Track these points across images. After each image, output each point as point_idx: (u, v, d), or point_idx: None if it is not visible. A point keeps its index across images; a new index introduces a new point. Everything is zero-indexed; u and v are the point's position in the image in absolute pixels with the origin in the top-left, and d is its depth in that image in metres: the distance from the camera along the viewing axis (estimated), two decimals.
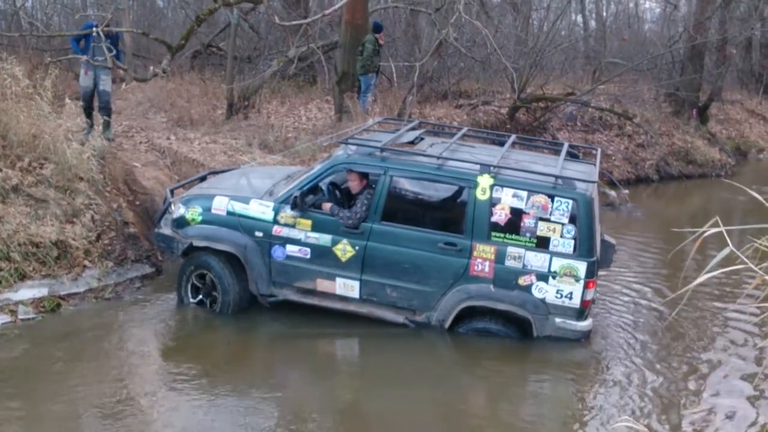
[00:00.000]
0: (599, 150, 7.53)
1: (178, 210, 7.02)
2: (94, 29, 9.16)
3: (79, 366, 6.04)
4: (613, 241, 7.24)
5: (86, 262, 7.37)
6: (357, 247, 6.60)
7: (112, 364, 6.12)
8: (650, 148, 15.63)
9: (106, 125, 9.44)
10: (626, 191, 13.07)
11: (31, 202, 7.42)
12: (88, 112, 9.41)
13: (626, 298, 8.03)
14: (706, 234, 2.78)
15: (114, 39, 9.53)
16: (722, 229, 2.77)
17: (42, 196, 7.51)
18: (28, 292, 6.87)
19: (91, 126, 9.40)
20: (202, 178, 7.82)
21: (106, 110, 9.46)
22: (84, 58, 9.15)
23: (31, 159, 7.72)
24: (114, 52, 9.39)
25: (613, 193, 12.55)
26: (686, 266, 7.19)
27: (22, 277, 6.93)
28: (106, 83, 9.32)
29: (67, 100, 8.98)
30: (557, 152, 7.35)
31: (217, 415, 5.45)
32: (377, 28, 12.42)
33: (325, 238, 6.66)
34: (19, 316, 6.66)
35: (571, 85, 17.03)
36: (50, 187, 7.63)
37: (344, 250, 6.63)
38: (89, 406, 5.44)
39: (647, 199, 14.12)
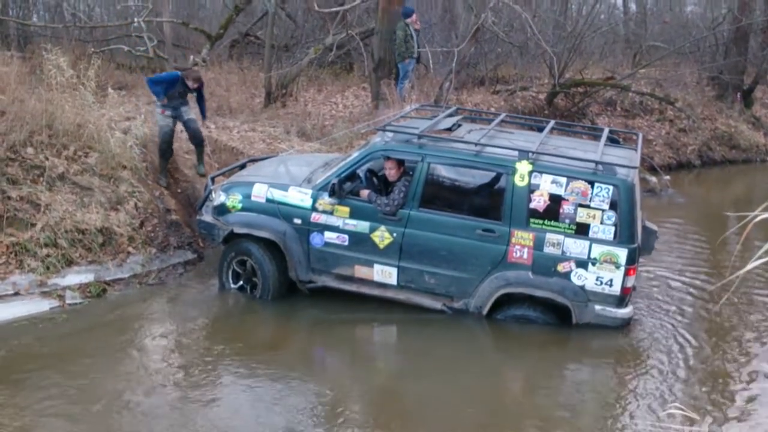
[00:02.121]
0: (640, 135, 7.40)
1: (219, 197, 7.13)
2: (182, 81, 8.33)
3: (124, 349, 6.20)
4: (654, 227, 7.14)
5: (130, 249, 7.54)
6: (395, 234, 6.62)
7: (156, 347, 6.29)
8: (692, 132, 15.29)
9: (200, 156, 8.78)
10: (667, 177, 12.83)
11: (76, 190, 7.60)
12: (166, 156, 8.51)
13: (668, 286, 7.91)
14: (757, 219, 2.69)
15: (200, 92, 8.67)
16: None
17: (87, 184, 7.69)
18: (75, 277, 7.06)
19: (166, 177, 8.56)
20: (242, 166, 7.92)
21: (198, 138, 8.65)
22: (163, 101, 8.31)
23: (76, 148, 7.90)
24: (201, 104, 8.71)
25: (654, 179, 12.33)
26: (734, 252, 7.03)
27: (69, 263, 7.12)
28: (188, 112, 8.52)
29: (110, 90, 9.10)
30: (597, 138, 7.25)
31: (257, 397, 5.57)
32: (407, 13, 12.33)
33: (363, 225, 6.69)
34: (67, 301, 6.86)
35: (611, 70, 16.74)
36: (95, 176, 7.81)
37: (382, 236, 6.67)
38: (136, 385, 5.61)
39: (689, 185, 13.85)
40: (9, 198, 7.17)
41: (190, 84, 8.34)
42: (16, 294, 6.74)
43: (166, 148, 8.48)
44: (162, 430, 5.11)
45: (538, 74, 15.53)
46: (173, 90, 8.33)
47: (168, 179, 8.61)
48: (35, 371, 5.70)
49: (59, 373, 5.71)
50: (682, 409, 4.40)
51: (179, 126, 8.60)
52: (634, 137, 7.65)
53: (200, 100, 8.72)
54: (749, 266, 2.74)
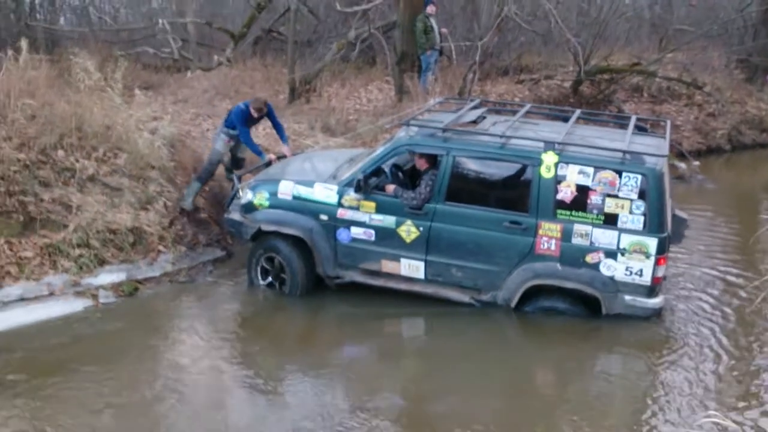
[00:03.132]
0: (669, 122, 7.30)
1: (246, 195, 7.19)
2: (255, 113, 8.00)
3: (158, 346, 6.32)
4: (684, 215, 7.05)
5: (160, 247, 7.64)
6: (421, 228, 6.63)
7: (188, 344, 6.38)
8: (721, 117, 15.02)
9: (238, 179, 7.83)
10: (697, 163, 12.64)
11: (107, 191, 7.72)
12: (203, 180, 8.23)
13: (700, 275, 7.80)
14: None
15: (271, 116, 8.30)
16: None
17: (117, 184, 7.81)
18: (107, 276, 7.18)
19: (194, 200, 8.18)
20: (268, 164, 7.97)
21: (238, 166, 8.39)
22: (231, 132, 8.09)
23: (105, 149, 8.01)
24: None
25: (683, 165, 12.16)
26: None
27: (102, 262, 7.24)
28: (244, 150, 8.37)
29: (137, 91, 9.23)
30: (624, 126, 7.17)
31: (288, 392, 5.64)
32: (426, 3, 12.33)
33: (389, 220, 6.71)
34: (100, 300, 6.97)
35: (637, 55, 16.50)
36: (124, 176, 7.92)
37: (408, 231, 6.67)
38: (167, 381, 5.71)
39: (719, 171, 13.61)
40: (42, 200, 7.32)
41: (253, 113, 7.99)
42: (51, 294, 6.86)
43: (208, 175, 8.26)
44: (199, 424, 5.20)
45: (562, 62, 15.37)
46: (250, 123, 8.11)
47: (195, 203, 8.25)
48: (74, 370, 5.81)
49: (96, 370, 5.82)
50: (717, 419, 4.36)
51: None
52: (662, 124, 7.55)
53: (275, 123, 8.32)
54: None
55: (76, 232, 7.24)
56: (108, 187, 7.75)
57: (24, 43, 8.34)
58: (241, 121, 7.97)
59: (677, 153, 12.05)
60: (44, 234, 7.17)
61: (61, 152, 7.71)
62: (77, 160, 7.75)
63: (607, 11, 15.18)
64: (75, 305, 6.83)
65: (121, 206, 7.63)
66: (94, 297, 6.98)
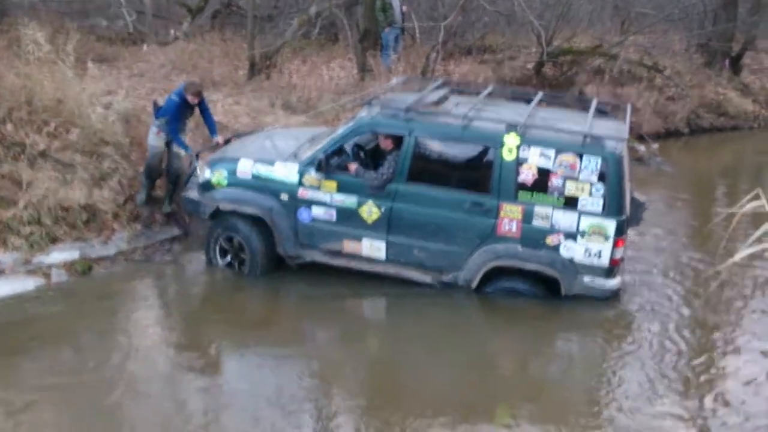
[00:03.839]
0: (629, 106, 7.35)
1: (204, 174, 7.04)
2: (186, 101, 7.46)
3: (113, 326, 6.17)
4: (643, 198, 7.13)
5: (115, 226, 7.47)
6: (383, 208, 6.58)
7: (142, 325, 6.26)
8: (681, 100, 15.23)
9: (171, 194, 7.83)
10: (656, 145, 12.82)
11: (58, 167, 7.47)
12: (152, 177, 7.74)
13: (658, 258, 7.92)
14: (744, 209, 2.65)
15: (202, 106, 7.72)
16: (764, 202, 2.62)
17: (69, 160, 7.56)
18: (60, 255, 6.99)
19: (147, 199, 7.77)
20: (227, 141, 7.80)
21: (175, 176, 7.77)
22: (160, 123, 7.53)
23: (56, 124, 7.73)
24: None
25: (642, 147, 12.31)
26: (725, 237, 6.97)
27: (53, 240, 7.04)
28: (178, 147, 7.66)
29: (90, 64, 8.91)
30: (586, 109, 7.19)
31: (248, 373, 5.57)
32: None
33: (350, 200, 6.64)
34: (53, 279, 6.79)
35: (599, 37, 16.59)
36: (77, 152, 7.66)
37: (370, 211, 6.62)
38: (123, 364, 5.57)
39: (677, 153, 13.82)
40: None
41: (190, 99, 7.42)
42: (1, 272, 6.66)
43: (151, 171, 7.70)
44: (152, 409, 5.11)
45: (526, 43, 15.37)
46: (184, 114, 7.60)
47: (149, 202, 7.82)
48: (28, 350, 5.67)
49: (51, 350, 5.70)
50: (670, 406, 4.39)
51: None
52: (623, 108, 7.60)
53: (206, 116, 7.75)
54: (737, 257, 2.71)
55: (26, 209, 7.02)
56: (60, 163, 7.50)
57: None
58: (174, 114, 7.38)
59: (636, 135, 12.19)
60: None
61: (10, 126, 7.43)
62: (27, 135, 7.47)
63: None
64: (26, 284, 6.65)
65: (73, 183, 7.40)
66: (47, 276, 6.80)
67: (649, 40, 16.50)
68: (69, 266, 6.95)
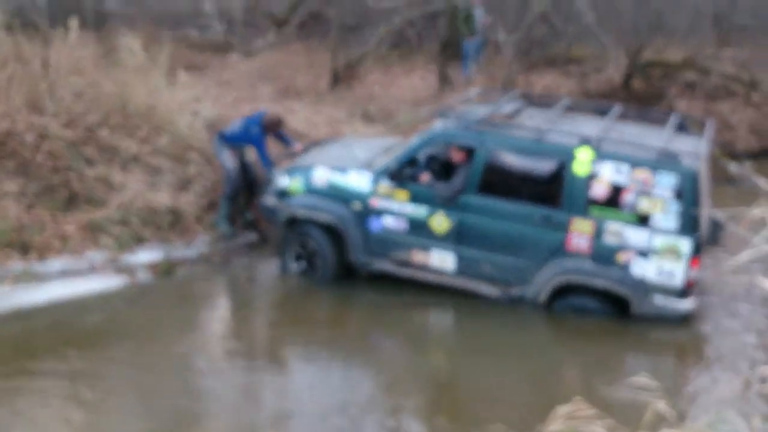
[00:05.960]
0: (710, 122, 7.10)
1: (282, 181, 7.28)
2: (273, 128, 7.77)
3: (191, 326, 6.48)
4: (723, 218, 6.86)
5: (198, 229, 7.79)
6: (453, 220, 6.62)
7: (221, 327, 6.57)
8: None
9: (250, 201, 7.96)
10: (749, 164, 12.23)
11: (147, 171, 7.90)
12: (235, 200, 7.88)
13: (738, 282, 7.57)
14: None
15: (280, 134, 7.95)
16: None
17: (157, 164, 7.98)
18: (145, 255, 7.35)
19: (227, 223, 7.85)
20: (305, 149, 8.03)
21: (252, 186, 7.99)
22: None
23: (148, 129, 8.19)
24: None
25: (734, 165, 11.78)
26: None
27: (140, 241, 7.42)
28: (249, 155, 7.94)
29: (181, 72, 9.36)
30: (665, 124, 7.00)
31: (316, 378, 5.73)
32: None
33: (421, 210, 6.72)
34: (138, 278, 7.15)
35: (694, 50, 16.00)
36: (165, 157, 8.09)
37: (440, 222, 6.67)
38: (200, 362, 5.86)
39: None
40: (86, 177, 7.53)
41: (269, 130, 7.70)
42: (92, 269, 7.08)
43: (236, 193, 7.86)
44: (224, 407, 5.33)
45: (614, 54, 15.00)
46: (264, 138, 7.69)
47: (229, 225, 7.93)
48: (111, 344, 6.02)
49: (132, 346, 6.02)
50: None
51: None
52: (706, 124, 7.35)
53: (283, 139, 7.96)
54: None
55: (117, 210, 7.43)
56: (149, 167, 7.93)
57: (73, 21, 8.53)
58: (261, 142, 7.61)
59: (729, 153, 11.67)
60: (87, 210, 7.39)
61: (105, 131, 7.92)
62: (121, 140, 7.94)
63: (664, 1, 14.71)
64: (114, 282, 7.00)
65: (160, 186, 7.81)
66: (132, 275, 7.16)
67: (750, 53, 15.77)
68: (153, 266, 7.28)
